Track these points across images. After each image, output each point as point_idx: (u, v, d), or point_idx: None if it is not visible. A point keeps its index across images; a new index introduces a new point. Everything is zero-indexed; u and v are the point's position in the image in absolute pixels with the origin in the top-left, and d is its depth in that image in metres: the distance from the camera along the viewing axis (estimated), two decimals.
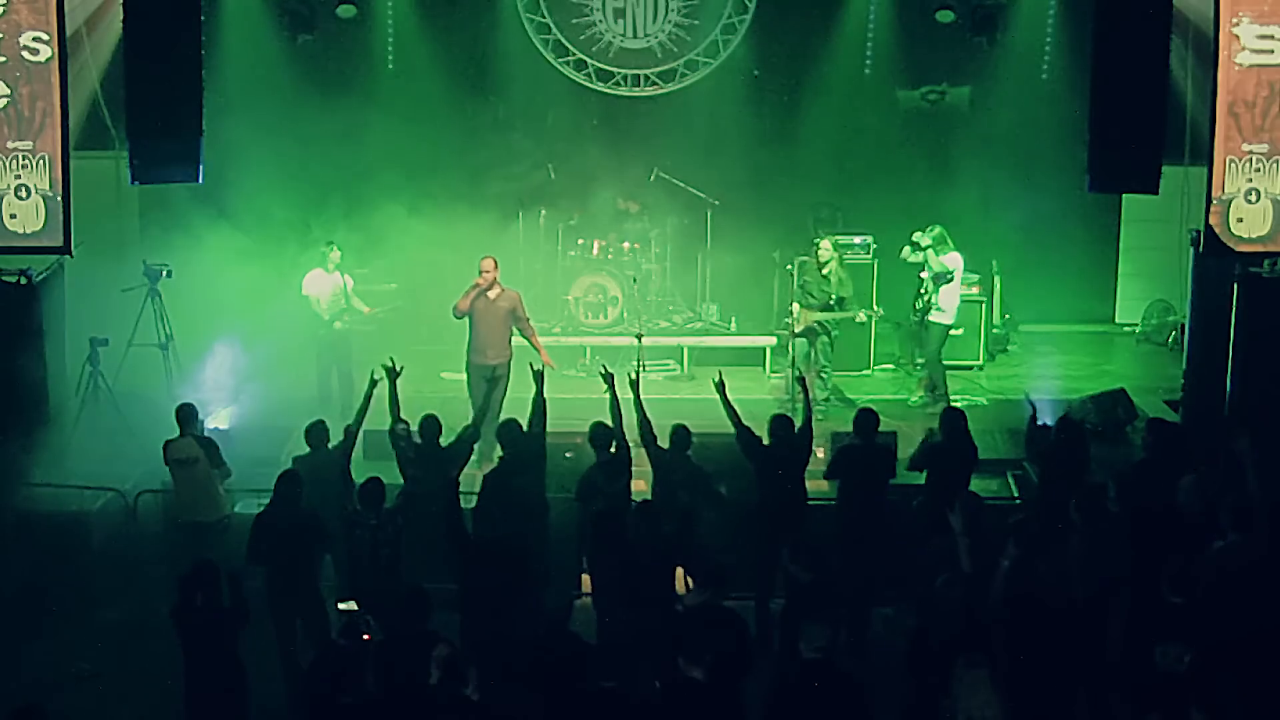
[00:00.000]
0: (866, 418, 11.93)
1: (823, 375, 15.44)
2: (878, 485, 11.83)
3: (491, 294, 14.02)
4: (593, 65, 17.39)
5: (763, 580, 11.42)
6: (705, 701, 8.46)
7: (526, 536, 10.86)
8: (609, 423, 11.74)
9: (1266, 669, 8.70)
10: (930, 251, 15.35)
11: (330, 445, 11.75)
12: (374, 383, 12.00)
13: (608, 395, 11.81)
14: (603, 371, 12.14)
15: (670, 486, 11.50)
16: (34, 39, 12.75)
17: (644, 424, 11.63)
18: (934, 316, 15.40)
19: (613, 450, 11.66)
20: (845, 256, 16.28)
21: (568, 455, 12.91)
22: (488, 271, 14.04)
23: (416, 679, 8.71)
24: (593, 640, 9.86)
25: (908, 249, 15.54)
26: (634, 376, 12.12)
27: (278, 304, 15.26)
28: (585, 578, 11.65)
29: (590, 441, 11.74)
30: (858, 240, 16.72)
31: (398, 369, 12.05)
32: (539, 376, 11.97)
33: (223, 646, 9.60)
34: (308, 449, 11.74)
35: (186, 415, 12.06)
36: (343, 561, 11.00)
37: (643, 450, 11.72)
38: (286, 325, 15.09)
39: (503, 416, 12.52)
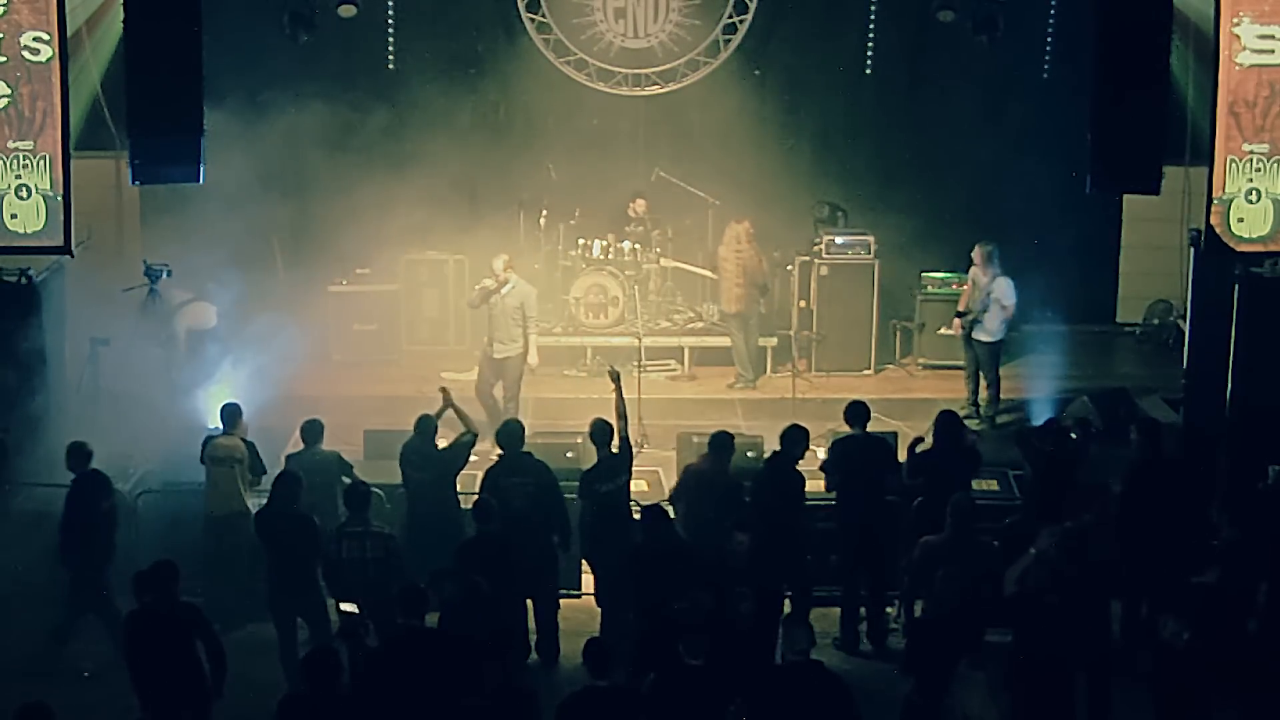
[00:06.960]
0: (857, 408, 11.91)
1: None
2: (877, 477, 11.79)
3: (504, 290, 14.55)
4: (593, 65, 17.37)
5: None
6: (697, 692, 8.47)
7: (520, 536, 10.89)
8: (612, 420, 11.73)
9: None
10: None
11: (324, 444, 11.77)
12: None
13: (614, 394, 11.82)
14: (611, 370, 12.16)
15: (709, 497, 11.43)
16: (34, 39, 12.75)
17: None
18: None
19: (613, 448, 11.67)
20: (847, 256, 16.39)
21: (569, 455, 12.93)
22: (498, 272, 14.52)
23: (411, 681, 8.70)
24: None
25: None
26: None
27: (275, 304, 15.26)
28: (585, 577, 11.69)
29: (591, 438, 11.74)
30: (858, 239, 16.70)
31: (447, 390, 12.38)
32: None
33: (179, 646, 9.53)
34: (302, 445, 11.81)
35: (231, 414, 12.13)
36: (330, 568, 10.88)
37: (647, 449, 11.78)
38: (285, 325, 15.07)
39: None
